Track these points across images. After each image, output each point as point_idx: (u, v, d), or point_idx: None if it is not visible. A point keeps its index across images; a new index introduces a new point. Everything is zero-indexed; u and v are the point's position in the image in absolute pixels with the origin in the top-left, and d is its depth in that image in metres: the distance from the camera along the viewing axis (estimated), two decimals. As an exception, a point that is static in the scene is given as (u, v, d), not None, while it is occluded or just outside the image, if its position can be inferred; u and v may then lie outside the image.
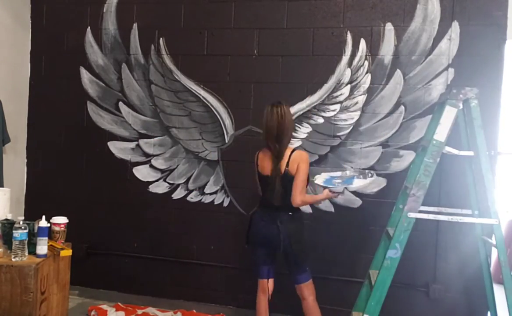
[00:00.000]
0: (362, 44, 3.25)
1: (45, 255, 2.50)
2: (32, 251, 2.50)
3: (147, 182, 3.65)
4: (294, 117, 3.36)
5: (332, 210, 3.30)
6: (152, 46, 3.60)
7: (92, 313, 3.38)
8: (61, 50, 3.80)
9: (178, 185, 3.60)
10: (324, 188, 2.71)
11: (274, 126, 2.61)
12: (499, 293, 2.75)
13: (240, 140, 3.47)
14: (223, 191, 3.52)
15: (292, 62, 3.37)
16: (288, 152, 2.63)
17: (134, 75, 3.66)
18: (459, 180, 2.97)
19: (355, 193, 3.24)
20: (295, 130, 3.23)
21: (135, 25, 3.64)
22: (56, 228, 2.74)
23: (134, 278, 3.67)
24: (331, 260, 3.28)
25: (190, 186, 3.57)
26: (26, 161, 3.90)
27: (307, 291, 2.71)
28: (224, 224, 3.51)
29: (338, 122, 3.30)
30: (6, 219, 2.56)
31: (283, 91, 3.37)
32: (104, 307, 3.44)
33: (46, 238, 2.52)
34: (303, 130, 3.37)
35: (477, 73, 3.06)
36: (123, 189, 3.68)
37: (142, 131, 3.66)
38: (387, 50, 3.21)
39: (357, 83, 3.27)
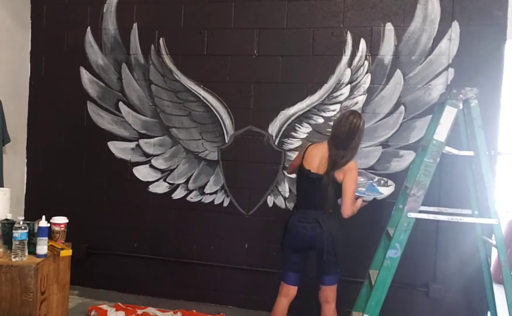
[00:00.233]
0: (362, 44, 3.25)
1: (45, 255, 2.50)
2: (32, 251, 2.50)
3: (147, 182, 3.65)
4: (294, 117, 3.37)
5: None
6: (152, 46, 3.60)
7: (92, 313, 3.37)
8: (61, 50, 3.80)
9: (178, 185, 3.60)
10: (357, 197, 2.65)
11: (343, 135, 2.54)
12: (499, 293, 2.75)
13: (240, 140, 3.47)
14: (223, 191, 3.52)
15: (292, 62, 3.37)
16: None
17: (134, 75, 3.66)
18: (459, 180, 2.97)
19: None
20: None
21: (135, 25, 3.64)
22: (56, 228, 2.73)
23: (134, 278, 3.67)
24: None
25: (190, 186, 3.57)
26: (26, 161, 3.90)
27: (332, 294, 2.65)
28: (224, 224, 3.51)
29: (338, 122, 3.30)
30: (6, 219, 2.55)
31: (283, 91, 3.37)
32: (104, 307, 3.44)
33: (46, 238, 2.52)
34: (303, 130, 3.37)
35: (477, 73, 3.06)
36: (123, 189, 3.68)
37: (142, 131, 3.66)
38: (387, 50, 3.21)
39: (357, 83, 3.27)
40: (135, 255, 3.67)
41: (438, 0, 3.13)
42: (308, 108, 3.35)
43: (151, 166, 3.64)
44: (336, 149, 2.57)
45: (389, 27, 3.21)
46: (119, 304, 3.52)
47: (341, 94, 3.29)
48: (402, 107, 3.21)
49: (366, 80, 3.25)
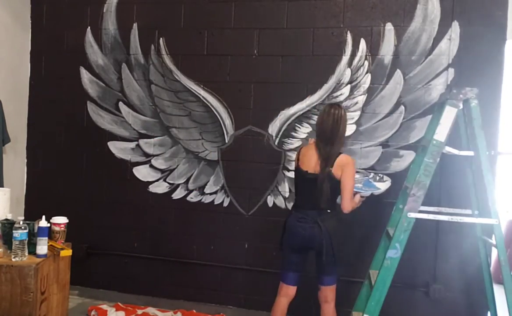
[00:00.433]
0: (362, 44, 3.25)
1: (45, 255, 2.50)
2: (32, 251, 2.50)
3: (147, 182, 3.65)
4: (294, 117, 3.36)
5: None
6: (152, 46, 3.60)
7: (92, 313, 3.38)
8: (61, 50, 3.80)
9: (178, 185, 3.60)
10: (355, 193, 2.66)
11: (328, 128, 2.58)
12: (499, 293, 2.75)
13: (240, 140, 3.47)
14: (223, 191, 3.52)
15: (292, 62, 3.37)
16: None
17: (134, 75, 3.66)
18: (459, 180, 2.97)
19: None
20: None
21: (135, 25, 3.64)
22: (56, 228, 2.74)
23: (134, 278, 3.67)
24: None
25: (190, 186, 3.57)
26: (26, 161, 3.90)
27: (332, 294, 2.66)
28: (224, 224, 3.51)
29: (338, 122, 3.30)
30: (6, 219, 2.56)
31: (283, 91, 3.37)
32: (104, 307, 3.44)
33: (46, 238, 2.52)
34: (303, 130, 3.37)
35: (477, 73, 3.06)
36: (123, 189, 3.68)
37: (142, 131, 3.66)
38: (387, 50, 3.21)
39: (357, 83, 3.27)
40: (135, 255, 3.67)
41: (438, 0, 3.13)
42: (308, 108, 3.35)
43: (151, 166, 3.64)
44: (325, 145, 2.60)
45: (389, 27, 3.21)
46: (119, 304, 3.52)
47: (341, 94, 3.30)
48: (402, 107, 3.21)
49: (366, 80, 3.25)
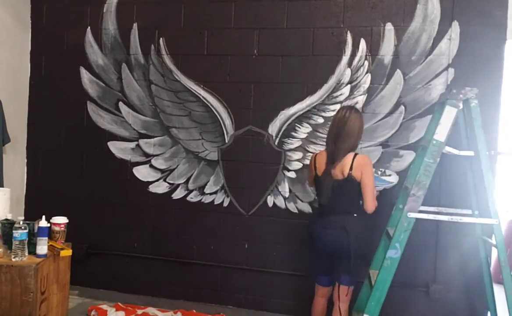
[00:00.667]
0: (362, 44, 3.25)
1: (45, 255, 2.50)
2: (32, 251, 2.50)
3: (147, 182, 3.65)
4: (294, 117, 3.36)
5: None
6: (152, 46, 3.60)
7: (92, 313, 3.37)
8: (61, 50, 3.80)
9: (178, 185, 3.60)
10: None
11: (334, 127, 2.63)
12: (499, 293, 2.76)
13: (240, 140, 3.47)
14: (223, 191, 3.52)
15: (292, 62, 3.37)
16: (350, 156, 2.56)
17: (134, 75, 3.66)
18: (459, 180, 2.97)
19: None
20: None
21: (135, 25, 3.64)
22: (56, 228, 2.74)
23: (134, 278, 3.67)
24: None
25: (190, 186, 3.57)
26: (26, 161, 3.90)
27: (348, 294, 2.63)
28: (224, 224, 3.51)
29: (338, 122, 3.30)
30: (6, 219, 2.55)
31: (283, 91, 3.37)
32: (104, 307, 3.44)
33: (46, 238, 2.52)
34: (303, 130, 3.37)
35: (477, 73, 3.05)
36: (123, 189, 3.68)
37: (142, 131, 3.66)
38: (387, 50, 3.21)
39: (357, 83, 3.27)
40: (135, 255, 3.67)
41: (438, 0, 3.13)
42: (308, 108, 3.35)
43: (151, 166, 3.64)
44: (331, 142, 2.62)
45: (389, 27, 3.21)
46: (119, 304, 3.52)
47: (341, 94, 3.29)
48: (402, 107, 3.20)
49: (366, 80, 3.25)
